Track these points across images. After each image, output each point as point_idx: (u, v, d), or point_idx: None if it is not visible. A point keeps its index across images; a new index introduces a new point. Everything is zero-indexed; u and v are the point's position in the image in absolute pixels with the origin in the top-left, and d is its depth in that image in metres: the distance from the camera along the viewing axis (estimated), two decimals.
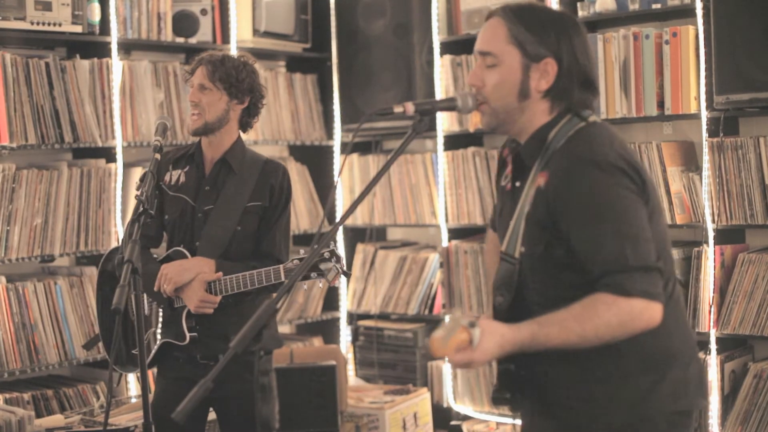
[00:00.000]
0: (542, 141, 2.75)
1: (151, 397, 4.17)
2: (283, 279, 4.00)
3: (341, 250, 6.33)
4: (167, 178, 4.20)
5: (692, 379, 2.79)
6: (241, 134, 4.28)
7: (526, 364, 2.72)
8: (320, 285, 4.08)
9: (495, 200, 3.09)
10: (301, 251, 4.00)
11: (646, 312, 2.56)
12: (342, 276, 4.01)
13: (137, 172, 5.14)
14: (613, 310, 2.54)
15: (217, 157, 4.20)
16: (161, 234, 4.27)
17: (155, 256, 4.22)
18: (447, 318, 2.17)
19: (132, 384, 5.10)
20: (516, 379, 2.77)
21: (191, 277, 4.03)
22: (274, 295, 3.77)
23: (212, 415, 4.62)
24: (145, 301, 4.18)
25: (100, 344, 4.54)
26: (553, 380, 2.76)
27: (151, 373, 5.07)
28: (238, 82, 4.15)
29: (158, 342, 4.13)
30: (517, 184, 2.82)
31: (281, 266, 4.02)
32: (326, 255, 4.01)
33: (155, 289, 4.09)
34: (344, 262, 4.07)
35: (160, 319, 4.15)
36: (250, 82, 4.20)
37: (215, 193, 4.17)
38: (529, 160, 2.77)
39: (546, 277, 2.71)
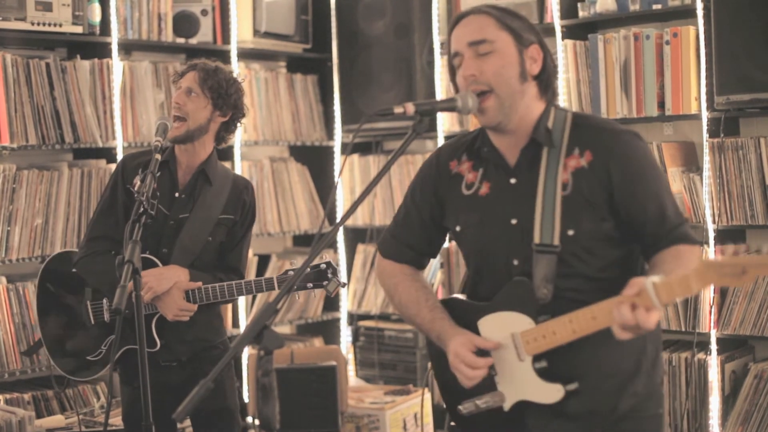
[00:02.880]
0: (546, 129, 2.83)
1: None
2: (276, 289, 4.01)
3: (341, 250, 6.33)
4: (136, 181, 4.09)
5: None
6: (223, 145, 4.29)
7: (562, 355, 2.75)
8: (314, 294, 4.07)
9: (404, 228, 3.13)
10: (292, 263, 3.95)
11: (702, 254, 2.81)
12: (339, 287, 4.05)
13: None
14: (695, 255, 2.74)
15: (193, 166, 4.18)
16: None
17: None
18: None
19: None
20: (557, 374, 2.80)
21: (169, 285, 4.01)
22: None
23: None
24: (105, 308, 4.16)
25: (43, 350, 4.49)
26: (580, 364, 2.79)
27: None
28: (227, 94, 4.13)
29: (121, 349, 4.09)
30: (513, 181, 2.86)
31: (274, 278, 4.06)
32: (323, 266, 4.01)
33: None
34: (340, 272, 4.07)
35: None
36: (237, 98, 4.19)
37: (191, 202, 4.15)
38: (546, 144, 2.82)
39: (589, 256, 2.77)
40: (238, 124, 4.27)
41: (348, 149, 6.29)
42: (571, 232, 2.76)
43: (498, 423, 2.92)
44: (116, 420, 4.45)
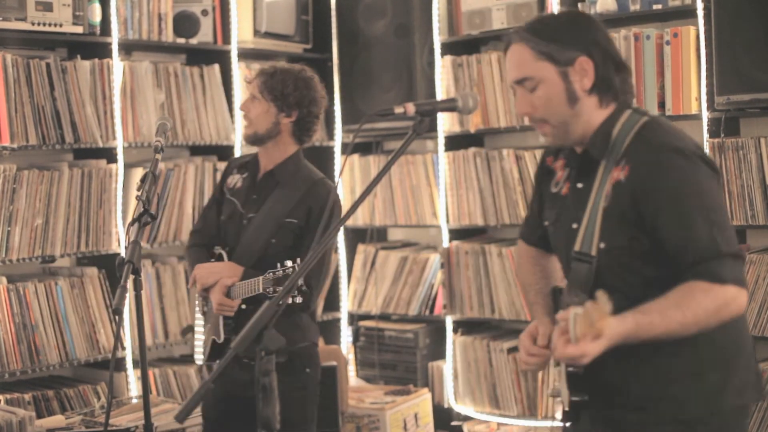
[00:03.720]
0: (607, 136, 2.81)
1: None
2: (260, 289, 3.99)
3: (342, 250, 6.33)
4: (230, 180, 4.34)
5: (752, 373, 2.86)
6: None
7: (595, 367, 2.63)
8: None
9: (530, 212, 3.24)
10: (288, 262, 3.93)
11: (738, 299, 2.62)
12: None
13: (138, 173, 5.14)
14: (710, 297, 2.58)
15: (269, 167, 4.26)
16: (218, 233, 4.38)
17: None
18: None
19: (132, 384, 5.10)
20: (582, 384, 2.77)
21: (215, 280, 4.11)
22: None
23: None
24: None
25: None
26: (624, 381, 2.80)
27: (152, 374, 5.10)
28: (283, 95, 4.19)
29: (211, 339, 4.22)
30: (579, 185, 2.88)
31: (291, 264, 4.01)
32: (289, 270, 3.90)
33: (189, 286, 4.32)
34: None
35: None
36: (298, 95, 4.22)
37: (260, 202, 4.22)
38: (597, 156, 2.82)
39: (625, 272, 2.74)
40: (312, 120, 4.30)
41: (348, 149, 6.30)
42: (602, 245, 2.76)
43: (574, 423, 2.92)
44: (116, 420, 4.45)
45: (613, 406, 2.84)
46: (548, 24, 2.87)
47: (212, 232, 4.36)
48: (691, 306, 2.56)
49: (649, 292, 2.63)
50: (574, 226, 2.85)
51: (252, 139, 4.24)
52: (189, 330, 4.86)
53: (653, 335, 2.56)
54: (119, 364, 5.07)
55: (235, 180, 4.33)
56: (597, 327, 2.40)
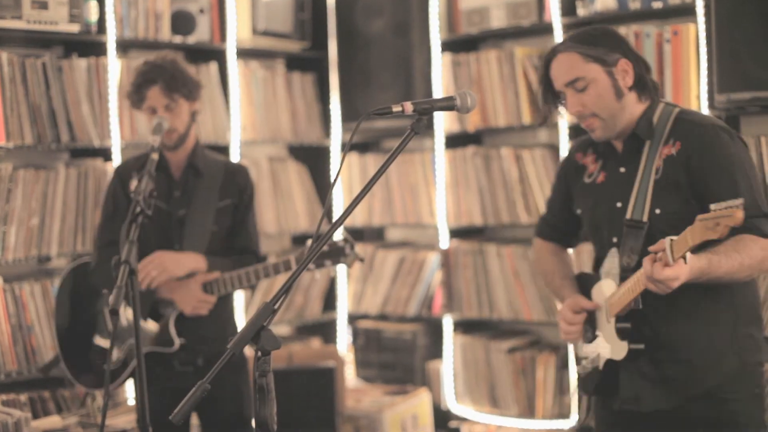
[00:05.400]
0: (649, 122, 3.31)
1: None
2: (293, 266, 4.08)
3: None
4: (133, 182, 4.14)
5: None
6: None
7: (647, 322, 3.25)
8: (332, 273, 4.15)
9: (548, 211, 3.82)
10: (308, 242, 3.99)
11: None
12: (358, 261, 4.19)
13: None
14: (758, 246, 3.08)
15: (183, 160, 4.22)
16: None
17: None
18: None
19: (129, 385, 5.07)
20: (632, 337, 3.27)
21: (185, 271, 4.03)
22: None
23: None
24: (123, 313, 4.16)
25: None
26: (670, 337, 3.26)
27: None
28: (186, 84, 4.19)
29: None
30: (622, 170, 3.37)
31: (291, 258, 4.05)
32: (341, 243, 4.05)
33: (138, 273, 4.05)
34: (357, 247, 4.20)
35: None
36: (191, 78, 4.26)
37: (186, 197, 4.18)
38: (645, 137, 3.31)
39: (673, 232, 3.02)
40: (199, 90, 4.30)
41: (346, 148, 6.28)
42: (658, 211, 3.23)
43: (601, 383, 3.41)
44: (112, 421, 4.43)
45: (658, 360, 3.27)
46: (588, 34, 3.34)
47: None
48: (746, 251, 3.04)
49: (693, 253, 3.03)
50: (619, 204, 3.35)
51: (176, 144, 4.19)
52: (55, 364, 4.62)
53: (719, 274, 3.01)
54: None
55: (141, 181, 4.22)
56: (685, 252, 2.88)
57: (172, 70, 4.19)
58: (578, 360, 3.55)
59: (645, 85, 3.33)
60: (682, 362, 3.26)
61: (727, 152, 3.19)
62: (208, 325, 4.18)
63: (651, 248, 2.95)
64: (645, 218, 3.24)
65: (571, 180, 3.61)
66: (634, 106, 3.33)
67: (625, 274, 3.26)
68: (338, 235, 4.13)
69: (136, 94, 4.20)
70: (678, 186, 3.22)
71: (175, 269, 4.06)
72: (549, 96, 3.44)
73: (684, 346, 3.25)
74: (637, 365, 3.30)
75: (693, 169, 3.19)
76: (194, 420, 4.61)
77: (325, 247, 4.11)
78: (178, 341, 4.10)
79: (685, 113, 3.34)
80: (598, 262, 3.53)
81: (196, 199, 4.20)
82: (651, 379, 3.30)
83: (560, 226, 3.79)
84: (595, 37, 3.32)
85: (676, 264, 2.88)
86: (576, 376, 3.62)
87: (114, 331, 3.48)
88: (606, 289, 3.38)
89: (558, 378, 5.52)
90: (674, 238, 2.87)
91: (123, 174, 4.22)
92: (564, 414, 5.45)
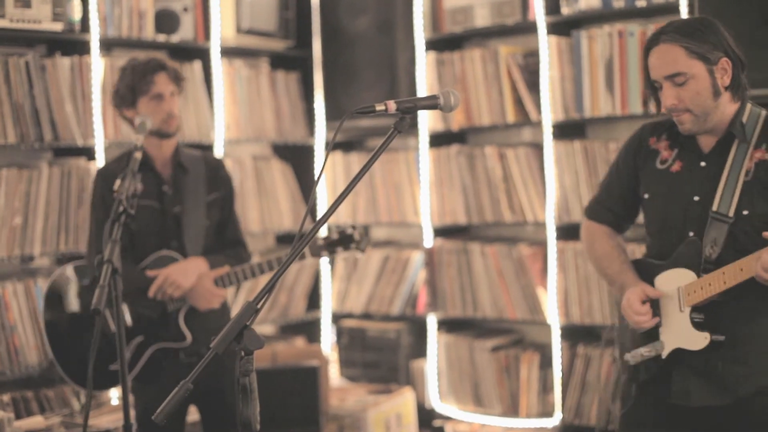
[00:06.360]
0: (741, 124, 3.28)
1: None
2: (307, 257, 4.36)
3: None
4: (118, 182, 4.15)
5: None
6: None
7: (725, 316, 3.27)
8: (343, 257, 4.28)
9: (605, 193, 3.67)
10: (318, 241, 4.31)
11: None
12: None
13: None
14: None
15: (167, 157, 4.26)
16: (132, 242, 4.27)
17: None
18: None
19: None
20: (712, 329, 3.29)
21: (194, 278, 4.13)
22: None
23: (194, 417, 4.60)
24: (127, 310, 4.19)
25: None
26: (739, 333, 3.27)
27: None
28: (182, 79, 4.38)
29: (150, 348, 4.16)
30: (702, 164, 3.34)
31: (305, 250, 4.27)
32: (349, 231, 4.29)
33: (151, 294, 4.17)
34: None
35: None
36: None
37: (178, 195, 4.22)
38: (740, 139, 3.28)
39: (757, 235, 3.14)
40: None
41: (329, 146, 6.28)
42: (746, 212, 3.23)
43: (653, 377, 3.42)
44: (95, 421, 4.42)
45: (718, 356, 3.28)
46: (695, 27, 3.26)
47: (125, 244, 4.21)
48: None
49: None
50: (696, 198, 3.33)
51: (175, 131, 4.32)
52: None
53: None
54: None
55: (125, 180, 4.25)
56: None
57: (170, 63, 4.33)
58: (634, 352, 3.43)
59: (739, 86, 3.29)
60: (739, 360, 3.27)
61: None
62: (213, 318, 4.24)
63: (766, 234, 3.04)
64: (731, 213, 3.24)
65: (641, 162, 3.52)
66: (726, 106, 3.28)
67: (707, 266, 3.26)
68: (346, 225, 4.42)
69: (140, 82, 4.23)
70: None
71: (186, 281, 4.15)
72: (649, 83, 3.37)
73: (745, 344, 3.27)
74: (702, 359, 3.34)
75: None
76: (195, 416, 4.62)
77: (335, 236, 4.32)
78: (190, 336, 4.16)
79: None
80: (655, 251, 3.50)
81: (187, 196, 4.26)
82: (704, 375, 3.31)
83: (617, 209, 3.66)
84: (702, 32, 3.25)
85: None
86: (622, 362, 3.55)
87: (97, 330, 3.45)
88: (681, 278, 3.33)
89: (542, 377, 5.53)
90: None
91: (108, 177, 4.22)
92: (547, 412, 5.46)
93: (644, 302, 3.38)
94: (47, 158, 5.14)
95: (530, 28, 5.42)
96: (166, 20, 5.48)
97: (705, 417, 3.33)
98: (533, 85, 5.44)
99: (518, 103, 5.53)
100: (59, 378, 4.55)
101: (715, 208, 3.27)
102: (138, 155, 3.80)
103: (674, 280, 3.35)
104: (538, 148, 5.48)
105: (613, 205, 3.66)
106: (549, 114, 5.31)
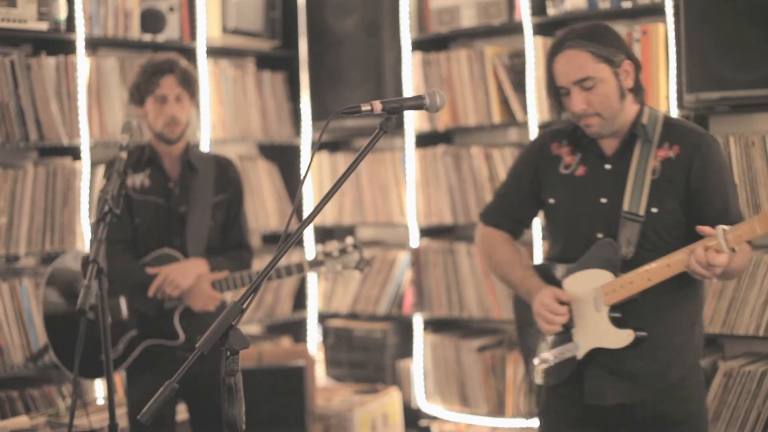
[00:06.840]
0: (642, 125, 3.37)
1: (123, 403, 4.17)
2: (306, 270, 4.31)
3: (311, 248, 6.29)
4: (130, 182, 4.23)
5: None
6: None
7: (639, 314, 3.32)
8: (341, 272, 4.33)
9: (504, 199, 3.70)
10: (319, 247, 4.35)
11: None
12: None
13: (103, 171, 5.09)
14: (749, 248, 3.27)
15: (176, 156, 4.27)
16: (134, 237, 4.28)
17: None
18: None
19: (98, 385, 5.05)
20: (630, 326, 3.34)
21: (193, 279, 4.14)
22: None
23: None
24: (123, 304, 4.20)
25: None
26: (654, 329, 3.32)
27: (119, 377, 5.01)
28: (192, 84, 4.34)
29: (143, 344, 4.17)
30: (607, 167, 3.40)
31: (304, 261, 4.29)
32: (350, 249, 4.19)
33: (151, 293, 4.19)
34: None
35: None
36: (195, 77, 4.41)
37: (185, 194, 4.24)
38: (643, 140, 3.35)
39: (669, 236, 3.31)
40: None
41: (315, 146, 6.27)
42: (655, 210, 3.30)
43: (563, 380, 3.47)
44: (80, 421, 4.41)
45: (628, 353, 3.34)
46: (597, 32, 3.33)
47: (126, 237, 4.30)
48: (745, 253, 3.22)
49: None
50: (603, 200, 3.38)
51: (178, 137, 4.31)
52: (44, 352, 4.75)
53: (737, 268, 3.20)
54: None
55: (139, 179, 4.29)
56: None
57: (185, 66, 4.34)
58: (543, 355, 3.49)
59: (639, 87, 3.39)
60: (649, 356, 3.34)
61: (720, 161, 3.34)
62: (209, 319, 4.24)
63: (703, 231, 3.07)
64: (641, 212, 3.30)
65: (543, 168, 3.55)
66: (630, 107, 3.37)
67: (624, 267, 3.30)
68: (348, 240, 4.37)
69: (146, 82, 4.25)
70: (676, 188, 3.31)
71: (184, 281, 4.17)
72: (552, 90, 3.40)
73: (655, 340, 3.33)
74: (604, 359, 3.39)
75: (693, 175, 3.30)
76: (184, 415, 4.62)
77: (336, 252, 4.32)
78: (183, 336, 4.18)
79: (670, 119, 3.44)
80: (559, 255, 3.53)
81: (194, 196, 4.28)
82: (616, 373, 3.37)
83: (516, 214, 3.70)
84: (604, 36, 3.34)
85: (728, 252, 3.04)
86: (531, 368, 3.61)
87: (83, 330, 3.44)
88: (596, 278, 3.34)
89: (528, 376, 5.54)
90: (726, 227, 3.03)
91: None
92: (533, 412, 5.47)
93: (563, 304, 3.40)
94: (32, 158, 5.13)
95: (516, 29, 5.42)
96: (151, 20, 5.47)
97: (618, 414, 3.41)
98: (519, 86, 5.44)
99: (504, 103, 5.54)
100: (45, 378, 4.55)
101: (626, 208, 3.33)
102: (123, 155, 3.79)
103: (587, 282, 3.38)
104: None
105: (512, 211, 3.70)
106: (535, 114, 5.32)
